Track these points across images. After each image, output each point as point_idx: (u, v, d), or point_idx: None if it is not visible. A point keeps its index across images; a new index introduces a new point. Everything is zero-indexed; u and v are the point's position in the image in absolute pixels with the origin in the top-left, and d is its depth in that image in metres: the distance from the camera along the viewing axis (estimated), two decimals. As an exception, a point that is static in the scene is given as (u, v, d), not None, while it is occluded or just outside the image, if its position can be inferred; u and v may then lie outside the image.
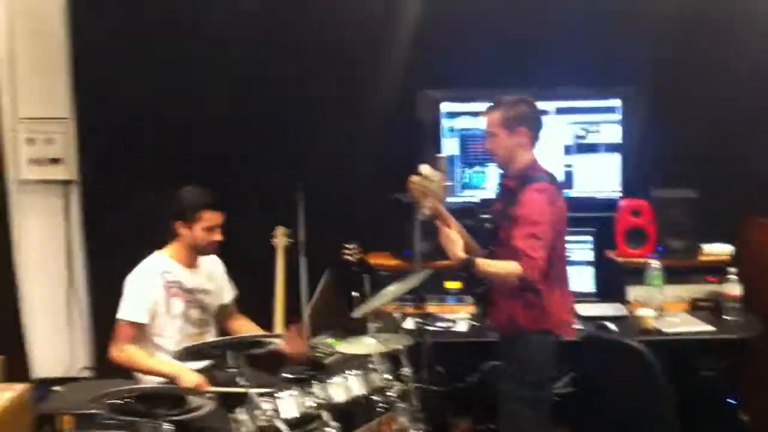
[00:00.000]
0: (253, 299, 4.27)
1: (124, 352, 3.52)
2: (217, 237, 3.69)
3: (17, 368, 4.99)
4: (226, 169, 5.01)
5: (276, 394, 2.92)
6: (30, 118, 5.19)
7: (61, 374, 5.30)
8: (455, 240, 3.32)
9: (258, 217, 4.88)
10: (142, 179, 5.08)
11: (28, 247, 5.33)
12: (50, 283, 5.36)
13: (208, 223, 3.64)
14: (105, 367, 5.16)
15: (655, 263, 4.25)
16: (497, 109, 3.47)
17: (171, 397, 2.87)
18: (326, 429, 2.92)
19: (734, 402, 4.26)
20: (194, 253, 3.72)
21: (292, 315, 4.69)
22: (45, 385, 5.00)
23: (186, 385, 3.29)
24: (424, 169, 3.33)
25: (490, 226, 3.68)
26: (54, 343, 5.38)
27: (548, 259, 3.25)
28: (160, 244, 3.83)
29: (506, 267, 3.23)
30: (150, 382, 3.50)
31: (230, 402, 3.04)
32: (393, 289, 3.46)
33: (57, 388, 4.78)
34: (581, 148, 4.71)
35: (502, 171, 3.61)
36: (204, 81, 5.03)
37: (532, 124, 3.47)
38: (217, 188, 3.89)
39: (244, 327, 3.95)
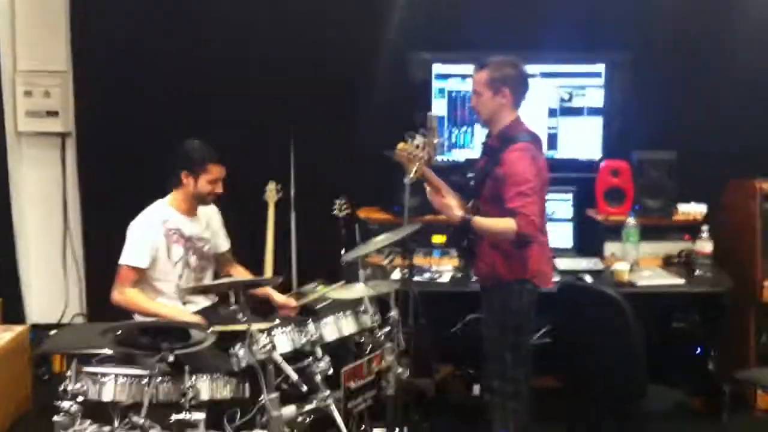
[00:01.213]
0: (244, 251, 4.43)
1: (125, 294, 3.65)
2: (219, 190, 3.85)
3: (13, 313, 5.15)
4: (219, 124, 5.14)
5: (272, 331, 3.10)
6: (28, 70, 5.29)
7: (54, 320, 5.48)
8: (451, 204, 3.50)
9: (250, 171, 5.03)
10: (136, 132, 5.22)
11: (25, 198, 5.47)
12: (46, 233, 5.52)
13: (213, 176, 3.80)
14: (97, 314, 5.38)
15: (631, 221, 4.46)
16: (484, 70, 3.60)
17: (174, 331, 3.03)
18: (319, 364, 3.10)
19: (702, 353, 4.47)
20: (195, 202, 3.87)
21: (281, 266, 4.91)
22: (39, 330, 5.20)
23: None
24: (410, 136, 3.45)
25: (473, 182, 3.83)
26: (48, 291, 5.55)
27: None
28: (155, 195, 3.97)
29: (503, 224, 3.39)
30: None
31: (229, 338, 3.22)
32: (382, 239, 3.62)
33: (52, 331, 4.98)
34: (565, 111, 4.87)
35: (486, 130, 3.74)
36: (198, 35, 5.15)
37: (517, 86, 3.59)
38: (211, 142, 4.03)
39: (240, 273, 4.11)
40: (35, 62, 5.30)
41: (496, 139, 3.63)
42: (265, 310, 4.06)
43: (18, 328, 4.56)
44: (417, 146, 3.44)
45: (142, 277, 3.70)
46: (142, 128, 5.20)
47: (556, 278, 4.17)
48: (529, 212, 3.36)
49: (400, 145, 3.48)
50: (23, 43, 5.27)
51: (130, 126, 5.22)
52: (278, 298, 4.01)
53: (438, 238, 4.62)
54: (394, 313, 3.42)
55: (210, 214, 4.01)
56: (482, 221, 3.49)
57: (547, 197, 3.70)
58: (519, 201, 3.38)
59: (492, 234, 3.51)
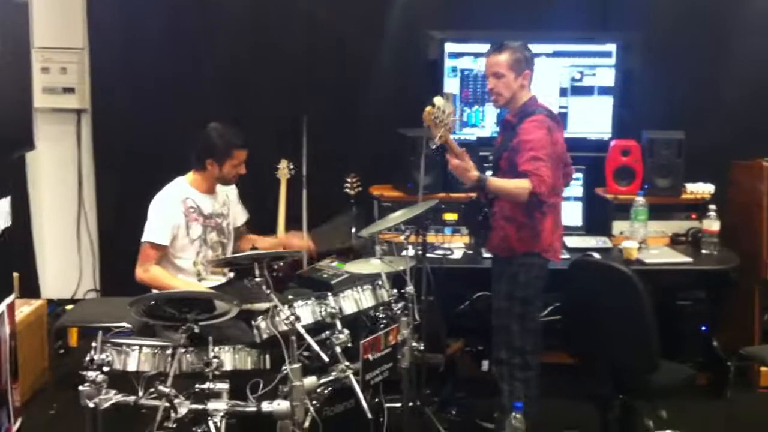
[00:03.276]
0: (257, 229, 4.48)
1: (149, 272, 3.71)
2: (242, 171, 3.91)
3: (29, 289, 5.23)
4: (233, 102, 5.20)
5: (294, 303, 3.18)
6: (45, 47, 5.32)
7: (68, 296, 5.56)
8: (467, 165, 3.53)
9: (262, 149, 5.08)
10: (151, 109, 5.28)
11: (41, 174, 5.52)
12: (61, 209, 5.58)
13: (238, 161, 3.86)
14: (110, 290, 5.46)
15: (640, 200, 4.53)
16: (504, 52, 3.64)
17: (199, 303, 3.10)
18: (339, 336, 3.18)
19: (708, 330, 4.56)
20: (216, 183, 3.94)
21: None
22: (53, 305, 5.29)
23: None
24: (438, 99, 3.47)
25: (492, 159, 3.90)
26: (62, 266, 5.62)
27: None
28: (169, 172, 4.00)
29: (517, 184, 3.46)
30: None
31: (248, 311, 3.31)
32: (399, 215, 3.69)
33: (69, 306, 5.07)
34: (576, 90, 4.92)
35: (500, 110, 3.78)
36: (212, 12, 5.21)
37: (533, 68, 3.70)
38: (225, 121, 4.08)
39: (258, 243, 4.19)
40: (52, 39, 5.33)
41: (514, 116, 3.71)
42: (280, 284, 4.15)
43: (36, 303, 4.64)
44: (443, 111, 3.48)
45: (164, 254, 3.77)
46: (157, 106, 5.27)
47: (566, 256, 4.27)
48: (542, 174, 3.42)
49: (428, 109, 3.48)
50: (40, 20, 5.26)
51: (146, 103, 5.29)
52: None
53: (450, 216, 4.69)
54: (410, 288, 3.50)
55: (227, 188, 4.07)
56: (497, 181, 3.56)
57: (561, 173, 3.77)
58: (532, 164, 3.44)
59: (507, 194, 3.55)
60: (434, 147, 3.53)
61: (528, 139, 3.52)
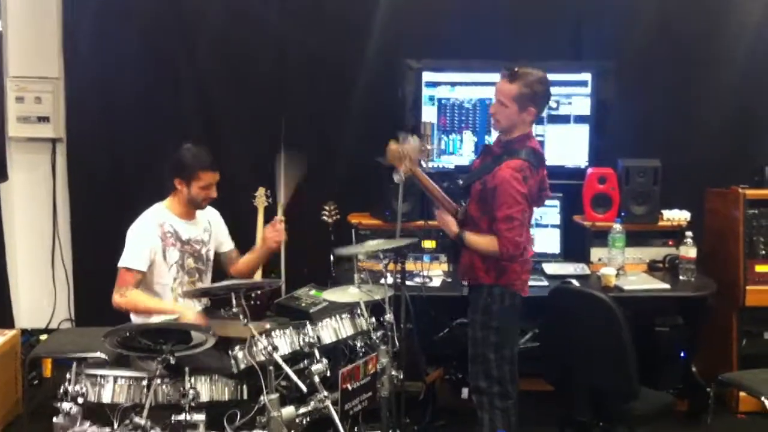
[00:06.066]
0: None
1: (125, 297, 3.67)
2: (213, 194, 3.89)
3: (2, 318, 5.17)
4: (210, 130, 5.19)
5: (272, 333, 3.15)
6: (19, 76, 5.29)
7: (41, 326, 5.48)
8: (449, 220, 3.65)
9: (240, 177, 5.08)
10: (126, 139, 5.26)
11: (15, 203, 5.46)
12: (35, 238, 5.51)
13: (204, 183, 3.83)
14: (84, 319, 5.39)
15: (618, 227, 4.55)
16: (515, 81, 3.52)
17: (175, 332, 3.06)
18: (317, 365, 3.15)
19: (686, 356, 4.57)
20: (191, 207, 3.91)
21: (271, 271, 4.95)
22: (27, 335, 5.21)
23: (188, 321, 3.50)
24: (401, 135, 3.51)
25: (463, 184, 3.88)
26: (36, 296, 5.54)
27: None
28: (144, 201, 3.98)
29: (488, 244, 3.54)
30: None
31: (224, 341, 3.27)
32: (377, 243, 3.68)
33: (43, 336, 5.00)
34: (553, 118, 4.94)
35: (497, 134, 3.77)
36: (189, 43, 5.20)
37: (542, 104, 3.62)
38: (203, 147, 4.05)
39: (245, 267, 4.13)
40: (27, 68, 5.29)
41: (499, 146, 3.69)
42: (257, 312, 4.11)
43: (9, 333, 4.58)
44: (406, 146, 3.50)
45: (141, 280, 3.73)
46: (133, 135, 5.24)
47: (545, 283, 4.27)
48: (513, 235, 3.48)
49: (392, 145, 3.52)
50: (15, 48, 5.27)
51: (121, 133, 5.26)
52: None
53: (428, 244, 4.69)
54: (389, 317, 3.48)
55: (210, 216, 4.05)
56: (472, 238, 3.62)
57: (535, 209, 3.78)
58: (505, 224, 3.49)
59: (479, 251, 3.62)
60: (397, 181, 3.56)
61: (504, 191, 3.49)
